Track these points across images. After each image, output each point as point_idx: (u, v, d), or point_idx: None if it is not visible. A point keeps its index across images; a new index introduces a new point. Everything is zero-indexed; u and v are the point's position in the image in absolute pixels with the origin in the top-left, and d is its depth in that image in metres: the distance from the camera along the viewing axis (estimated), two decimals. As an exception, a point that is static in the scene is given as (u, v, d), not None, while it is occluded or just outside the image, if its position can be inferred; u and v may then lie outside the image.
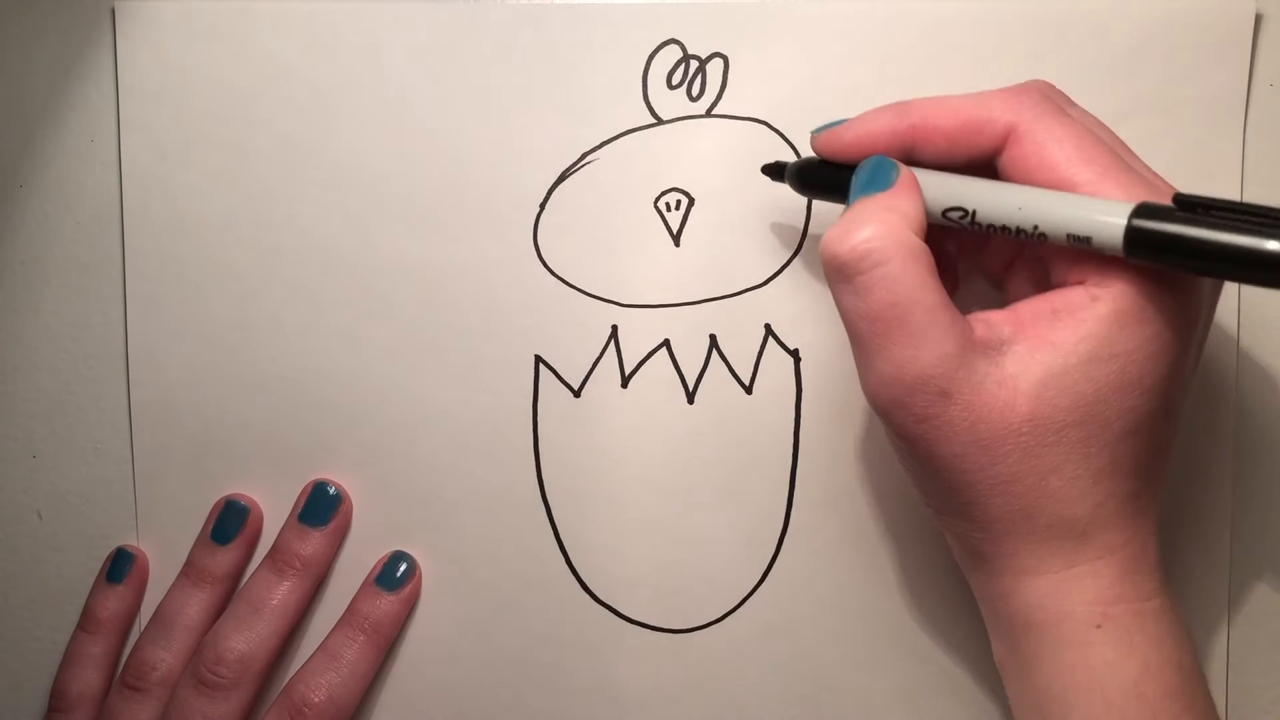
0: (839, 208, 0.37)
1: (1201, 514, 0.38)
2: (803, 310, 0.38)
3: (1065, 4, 0.37)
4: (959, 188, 0.31)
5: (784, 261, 0.38)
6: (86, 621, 0.40)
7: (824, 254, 0.30)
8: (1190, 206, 0.28)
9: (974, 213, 0.31)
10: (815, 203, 0.38)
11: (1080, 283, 0.30)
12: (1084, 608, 0.30)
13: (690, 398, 0.39)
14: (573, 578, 0.39)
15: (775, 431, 0.38)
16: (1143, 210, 0.28)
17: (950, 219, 0.31)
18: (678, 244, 0.38)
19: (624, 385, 0.39)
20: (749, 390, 0.38)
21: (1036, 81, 0.32)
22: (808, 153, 0.38)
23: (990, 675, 0.38)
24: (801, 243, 0.38)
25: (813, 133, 0.34)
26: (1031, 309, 0.30)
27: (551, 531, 0.39)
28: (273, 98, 0.39)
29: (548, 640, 0.39)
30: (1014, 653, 0.32)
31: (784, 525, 0.39)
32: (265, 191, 0.39)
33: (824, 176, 0.34)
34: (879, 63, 0.37)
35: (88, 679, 0.39)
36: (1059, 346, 0.29)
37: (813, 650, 0.39)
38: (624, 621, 0.39)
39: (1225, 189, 0.37)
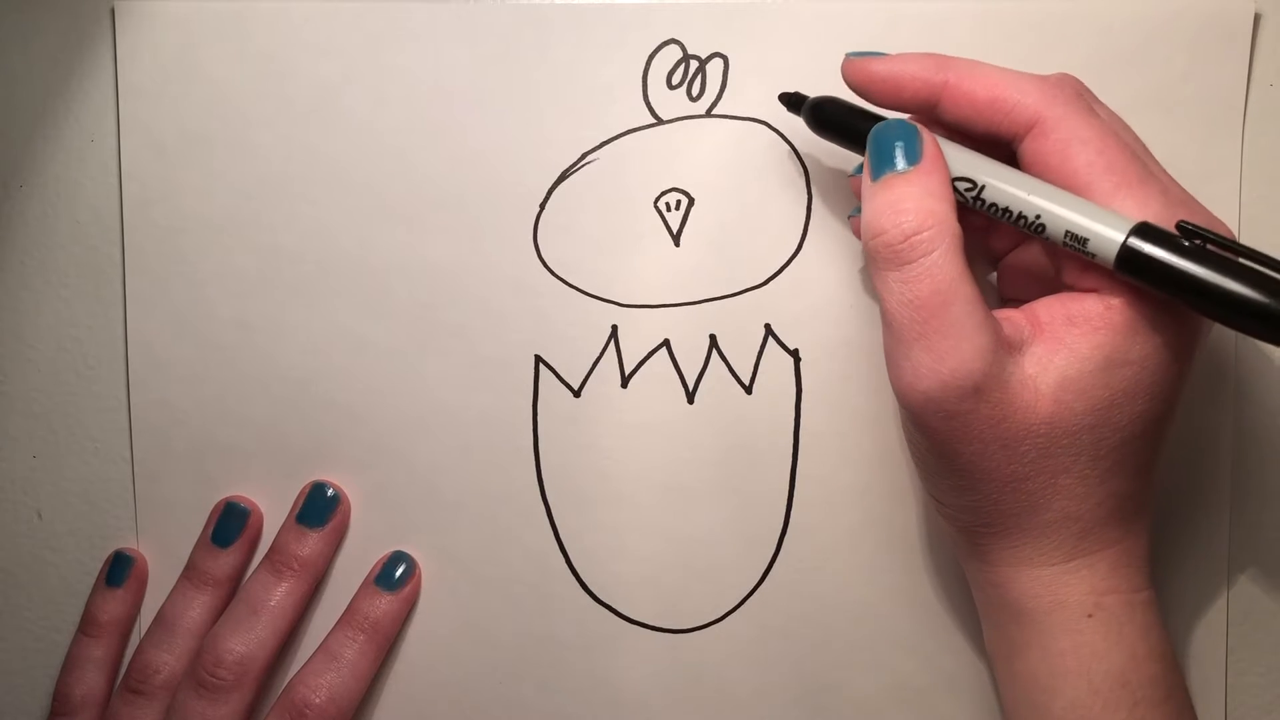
0: (843, 201, 0.38)
1: (1200, 513, 0.38)
2: (803, 310, 0.38)
3: (1065, 4, 0.37)
4: (973, 162, 0.31)
5: (784, 261, 0.38)
6: (87, 625, 0.39)
7: (878, 239, 0.30)
8: (1190, 236, 0.28)
9: (982, 188, 0.30)
10: (816, 203, 0.38)
11: (1094, 290, 0.30)
12: (1077, 597, 0.31)
13: (690, 398, 0.39)
14: (573, 578, 0.39)
15: (775, 431, 0.38)
16: (1141, 229, 0.28)
17: (956, 189, 0.31)
18: (678, 244, 0.38)
19: (624, 385, 0.39)
20: (749, 390, 0.38)
21: (1068, 76, 0.32)
22: (807, 152, 0.38)
23: (990, 674, 0.38)
24: (801, 243, 0.38)
25: (847, 55, 0.33)
26: (1048, 311, 0.30)
27: (551, 531, 0.39)
28: (273, 98, 0.39)
29: (547, 640, 0.39)
30: (1005, 640, 0.33)
31: (784, 525, 0.39)
32: (265, 191, 0.39)
33: (842, 120, 0.33)
34: (879, 63, 0.37)
35: (90, 682, 0.39)
36: (1076, 352, 0.29)
37: (812, 650, 0.39)
38: (624, 621, 0.39)
39: (1224, 188, 0.37)
